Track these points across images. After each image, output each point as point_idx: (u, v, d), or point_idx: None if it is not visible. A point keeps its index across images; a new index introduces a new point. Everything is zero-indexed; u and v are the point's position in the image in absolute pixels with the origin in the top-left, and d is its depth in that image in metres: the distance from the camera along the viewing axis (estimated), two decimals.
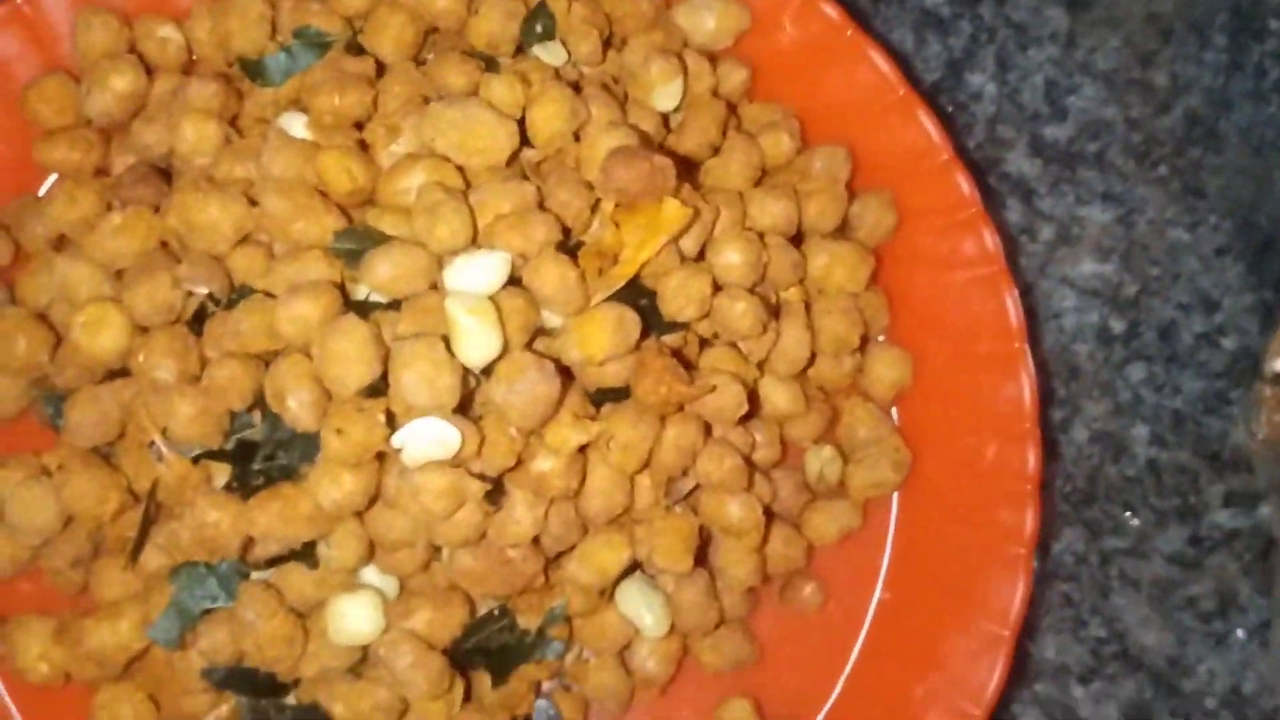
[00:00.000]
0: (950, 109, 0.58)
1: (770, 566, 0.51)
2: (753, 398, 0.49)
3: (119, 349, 0.48)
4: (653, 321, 0.48)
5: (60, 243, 0.52)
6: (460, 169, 0.47)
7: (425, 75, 0.50)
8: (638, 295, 0.47)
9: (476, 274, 0.45)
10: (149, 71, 0.52)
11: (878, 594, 0.52)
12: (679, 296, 0.47)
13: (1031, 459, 0.50)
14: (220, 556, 0.46)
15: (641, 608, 0.48)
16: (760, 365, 0.50)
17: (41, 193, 0.54)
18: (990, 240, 0.51)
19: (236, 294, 0.48)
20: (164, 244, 0.49)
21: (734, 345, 0.49)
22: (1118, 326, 0.56)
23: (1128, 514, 0.55)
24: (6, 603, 0.51)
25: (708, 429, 0.48)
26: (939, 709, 0.50)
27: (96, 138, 0.52)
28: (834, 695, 0.52)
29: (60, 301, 0.50)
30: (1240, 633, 0.55)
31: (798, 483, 0.52)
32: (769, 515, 0.50)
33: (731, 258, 0.48)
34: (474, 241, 0.46)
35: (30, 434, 0.52)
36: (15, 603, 0.51)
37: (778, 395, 0.50)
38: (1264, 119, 0.57)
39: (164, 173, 0.51)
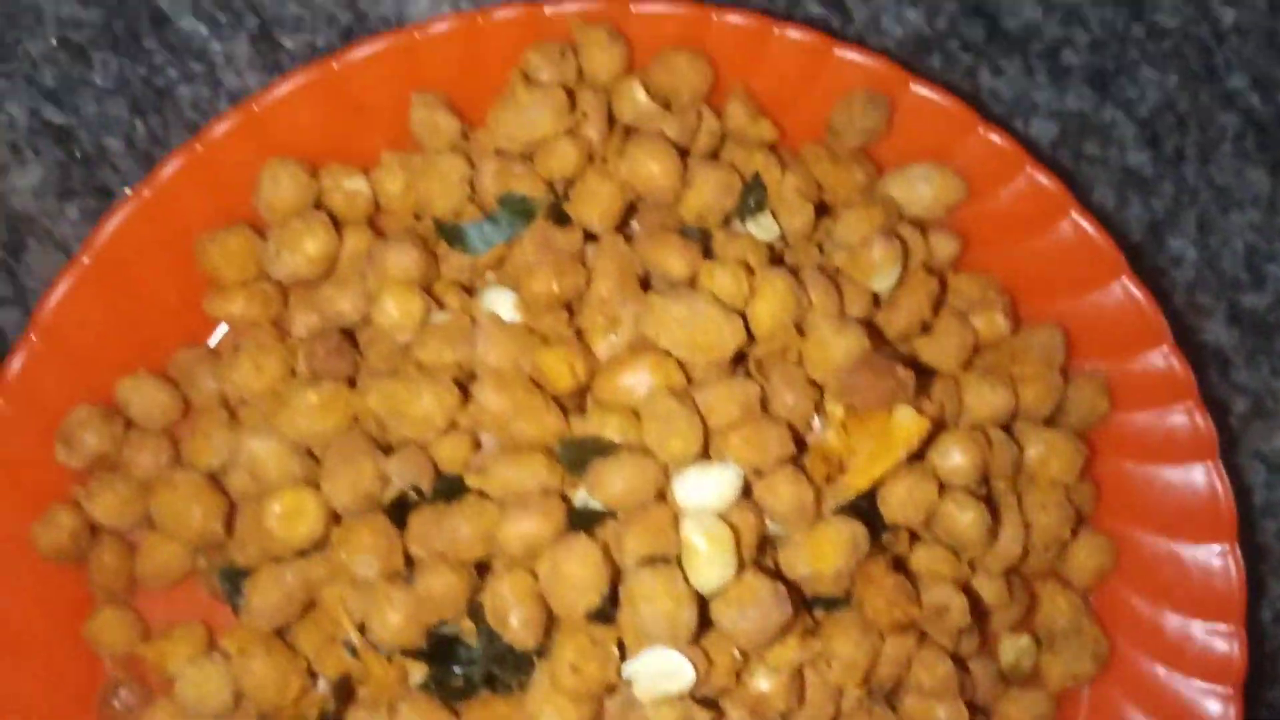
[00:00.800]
0: (1149, 272, 0.56)
1: None
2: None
3: (315, 538, 0.46)
4: (872, 523, 0.46)
5: (228, 402, 0.50)
6: (682, 364, 0.45)
7: (636, 252, 0.47)
8: (859, 499, 0.46)
9: (709, 488, 0.44)
10: (335, 225, 0.49)
11: None
12: (906, 507, 0.46)
13: (1237, 654, 0.49)
14: None
15: None
16: (971, 563, 0.49)
17: (212, 343, 0.51)
18: (1205, 427, 0.49)
19: (442, 485, 0.46)
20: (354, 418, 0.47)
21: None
22: None
23: None
24: None
25: (921, 635, 0.47)
26: None
27: (275, 292, 0.50)
28: None
29: (239, 471, 0.47)
30: None
31: (994, 673, 0.51)
32: (971, 710, 0.49)
33: (957, 459, 0.47)
34: (705, 453, 0.44)
35: (190, 601, 0.50)
36: None
37: (987, 592, 0.49)
38: None
39: (353, 338, 0.49)
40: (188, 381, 0.50)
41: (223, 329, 0.51)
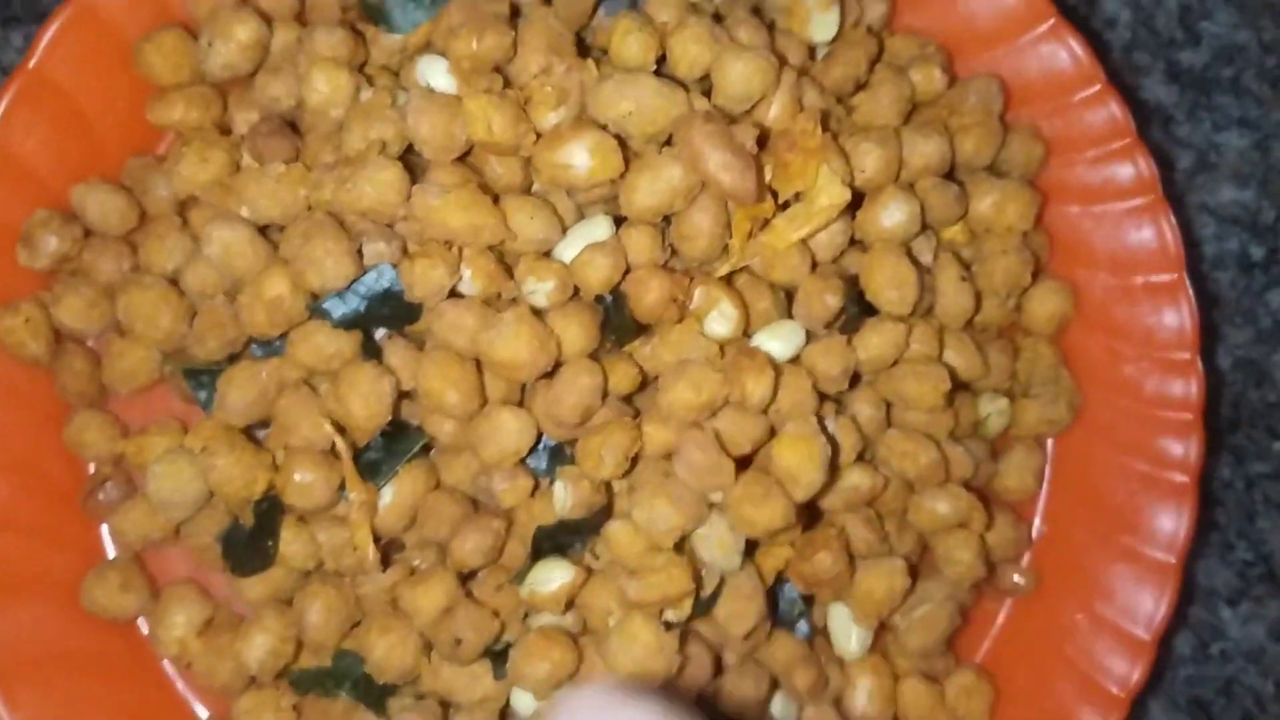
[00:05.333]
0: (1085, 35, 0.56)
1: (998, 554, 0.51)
2: None
3: (295, 322, 0.46)
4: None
5: (185, 207, 0.50)
6: (622, 139, 0.46)
7: (565, 21, 0.48)
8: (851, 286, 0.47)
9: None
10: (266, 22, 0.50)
11: (1035, 529, 0.52)
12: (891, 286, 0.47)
13: (1194, 388, 0.50)
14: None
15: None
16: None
17: (161, 151, 0.52)
18: (1147, 168, 0.50)
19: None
20: None
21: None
22: (1257, 253, 0.56)
23: (1271, 439, 0.56)
24: (162, 570, 0.50)
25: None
26: (1107, 636, 0.50)
27: (214, 94, 0.50)
28: (997, 624, 0.52)
29: (198, 268, 0.48)
30: None
31: (987, 450, 0.51)
32: (985, 500, 0.50)
33: (898, 215, 0.47)
34: None
35: (164, 401, 0.50)
36: (170, 569, 0.50)
37: (956, 359, 0.49)
38: None
39: (294, 127, 0.49)
40: (140, 189, 0.51)
41: (171, 139, 0.52)
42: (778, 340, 0.47)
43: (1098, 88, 0.50)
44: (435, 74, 0.47)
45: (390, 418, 0.46)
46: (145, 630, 0.50)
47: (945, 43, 0.52)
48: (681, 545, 0.46)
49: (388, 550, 0.48)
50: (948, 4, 0.52)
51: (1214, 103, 0.56)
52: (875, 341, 0.48)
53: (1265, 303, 0.56)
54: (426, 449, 0.48)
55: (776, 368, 0.46)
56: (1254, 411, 0.55)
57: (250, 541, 0.48)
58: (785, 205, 0.47)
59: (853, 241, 0.49)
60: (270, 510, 0.47)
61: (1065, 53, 0.50)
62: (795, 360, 0.47)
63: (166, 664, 0.50)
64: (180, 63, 0.50)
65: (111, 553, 0.50)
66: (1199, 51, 0.57)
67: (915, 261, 0.48)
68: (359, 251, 0.46)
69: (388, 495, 0.47)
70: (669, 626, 0.46)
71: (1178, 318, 0.50)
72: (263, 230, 0.47)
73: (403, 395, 0.47)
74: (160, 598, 0.49)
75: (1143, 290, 0.51)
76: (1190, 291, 0.50)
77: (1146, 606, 0.49)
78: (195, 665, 0.49)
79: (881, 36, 0.52)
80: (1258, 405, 0.56)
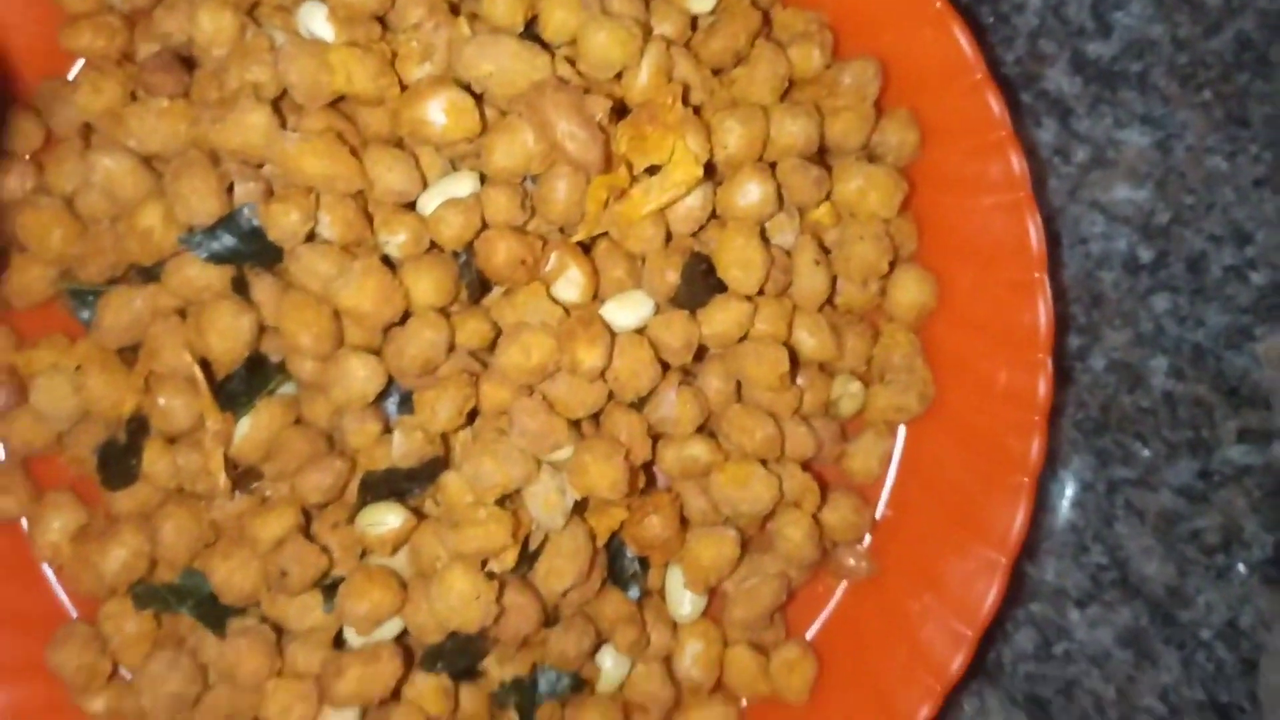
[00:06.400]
0: (991, 20, 0.55)
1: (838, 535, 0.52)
2: None
3: (166, 252, 0.48)
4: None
5: (87, 130, 0.52)
6: (479, 98, 0.47)
7: None
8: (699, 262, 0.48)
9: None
10: None
11: (880, 510, 0.53)
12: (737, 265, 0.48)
13: (1042, 388, 0.50)
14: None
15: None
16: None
17: (70, 77, 0.54)
18: (1018, 165, 0.50)
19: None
20: None
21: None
22: (1146, 255, 0.55)
23: (1139, 445, 0.55)
24: (46, 478, 0.53)
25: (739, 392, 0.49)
26: (933, 626, 0.51)
27: (120, 24, 0.52)
28: (832, 602, 0.53)
29: (91, 192, 0.50)
30: (1242, 567, 0.55)
31: (834, 432, 0.52)
32: (822, 484, 0.51)
33: (754, 194, 0.47)
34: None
35: (61, 317, 0.53)
36: (54, 478, 0.53)
37: (808, 339, 0.50)
38: None
39: (186, 61, 0.51)
40: (48, 111, 0.53)
41: (82, 64, 0.54)
42: (625, 309, 0.48)
43: (977, 78, 0.49)
44: (315, 19, 0.49)
45: (248, 353, 0.48)
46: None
47: (835, 22, 0.52)
48: (514, 499, 0.48)
49: (247, 478, 0.50)
50: None
51: (1118, 97, 0.55)
52: (719, 318, 0.48)
53: (1149, 306, 0.55)
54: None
55: (612, 336, 0.47)
56: (1124, 416, 0.55)
57: (121, 457, 0.50)
58: (649, 173, 0.48)
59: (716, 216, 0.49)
60: (139, 430, 0.50)
61: (948, 40, 0.50)
62: (641, 330, 0.48)
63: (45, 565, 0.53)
64: None
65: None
66: (1108, 43, 0.55)
67: (774, 241, 0.49)
68: (230, 189, 0.48)
69: (244, 426, 0.49)
70: (492, 576, 0.47)
71: (1034, 318, 0.50)
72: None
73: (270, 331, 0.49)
74: (40, 502, 0.53)
75: (1004, 287, 0.50)
76: (1049, 292, 0.49)
77: (973, 602, 0.50)
78: (65, 569, 0.52)
79: (770, 11, 0.52)
80: (1129, 410, 0.55)
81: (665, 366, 0.48)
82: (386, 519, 0.48)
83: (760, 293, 0.49)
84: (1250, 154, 0.55)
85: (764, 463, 0.50)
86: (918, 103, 0.51)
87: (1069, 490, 0.55)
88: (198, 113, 0.48)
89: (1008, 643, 0.55)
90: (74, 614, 0.53)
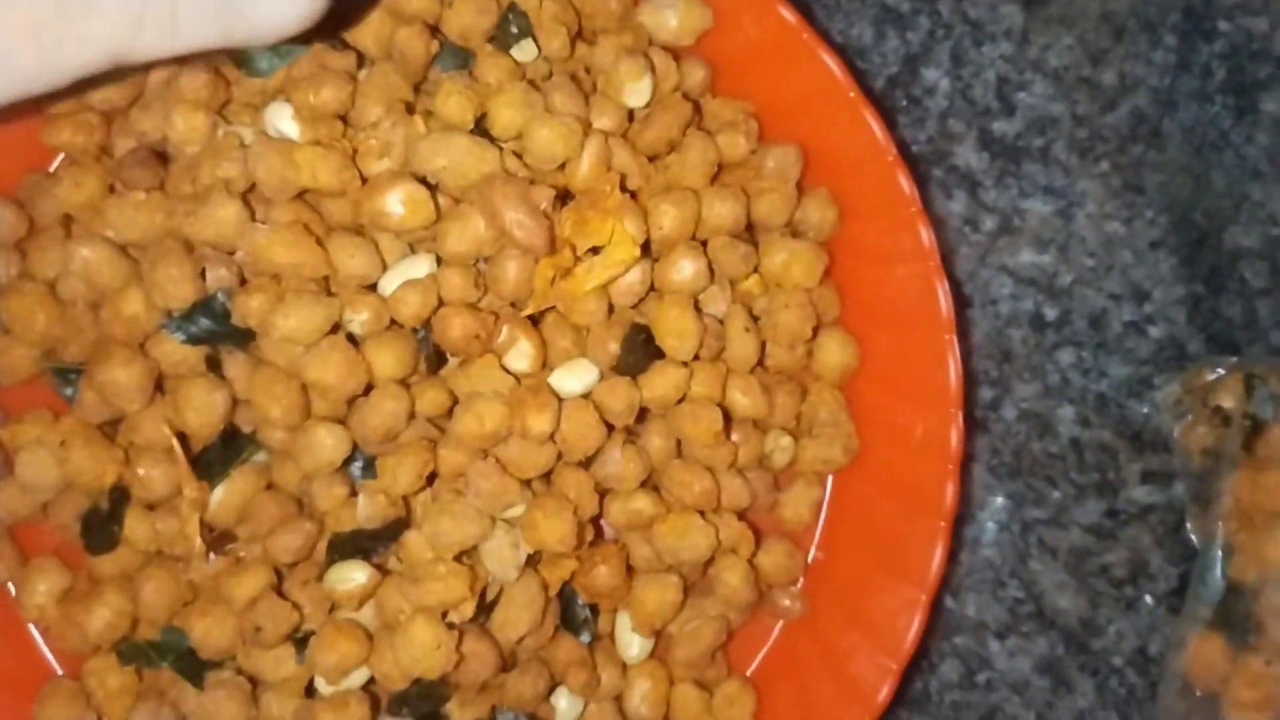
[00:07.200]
0: (905, 103, 0.60)
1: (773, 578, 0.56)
2: None
3: (147, 333, 0.52)
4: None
5: (68, 219, 0.56)
6: (434, 189, 0.51)
7: (403, 76, 0.53)
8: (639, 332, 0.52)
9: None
10: None
11: (811, 554, 0.57)
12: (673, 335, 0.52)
13: (954, 439, 0.54)
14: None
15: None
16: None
17: (52, 169, 0.58)
18: (927, 238, 0.54)
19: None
20: None
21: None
22: (1051, 313, 0.60)
23: (1050, 487, 0.60)
24: (31, 544, 0.56)
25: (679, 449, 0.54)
26: (861, 659, 0.55)
27: (99, 121, 0.56)
28: (769, 641, 0.57)
29: (71, 278, 0.54)
30: (1149, 598, 0.59)
31: (768, 483, 0.56)
32: (757, 532, 0.55)
33: (687, 270, 0.52)
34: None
35: (45, 391, 0.56)
36: (39, 544, 0.56)
37: (740, 399, 0.54)
38: (1207, 119, 0.59)
39: (161, 156, 0.55)
40: (31, 202, 0.57)
41: (62, 158, 0.58)
42: (572, 376, 0.52)
43: (889, 159, 0.54)
44: (281, 119, 0.53)
45: (222, 426, 0.52)
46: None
47: (759, 111, 0.56)
48: (471, 555, 0.52)
49: (223, 540, 0.54)
50: (764, 76, 0.56)
51: (1022, 170, 0.60)
52: (659, 382, 0.53)
53: (1055, 360, 0.60)
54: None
55: (560, 402, 0.51)
56: (1035, 461, 0.60)
57: (103, 524, 0.54)
58: (592, 253, 0.52)
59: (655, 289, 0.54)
60: (120, 498, 0.54)
61: (861, 126, 0.54)
62: (587, 395, 0.52)
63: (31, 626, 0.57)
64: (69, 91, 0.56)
65: None
66: (1013, 121, 0.60)
67: (707, 311, 0.53)
68: (204, 275, 0.52)
69: (219, 493, 0.53)
70: (452, 627, 0.51)
71: (945, 375, 0.54)
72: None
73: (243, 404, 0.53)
74: (27, 567, 0.56)
75: (918, 348, 0.55)
76: (958, 352, 0.54)
77: (897, 636, 0.54)
78: (51, 629, 0.55)
79: (700, 101, 0.57)
80: (1039, 455, 0.60)
81: (610, 428, 0.52)
82: (353, 576, 0.52)
83: (696, 358, 0.53)
84: (1146, 218, 0.60)
85: (702, 514, 0.54)
86: (836, 183, 0.56)
87: (987, 530, 0.60)
88: (173, 205, 0.52)
89: (934, 673, 0.59)
90: (59, 671, 0.57)
